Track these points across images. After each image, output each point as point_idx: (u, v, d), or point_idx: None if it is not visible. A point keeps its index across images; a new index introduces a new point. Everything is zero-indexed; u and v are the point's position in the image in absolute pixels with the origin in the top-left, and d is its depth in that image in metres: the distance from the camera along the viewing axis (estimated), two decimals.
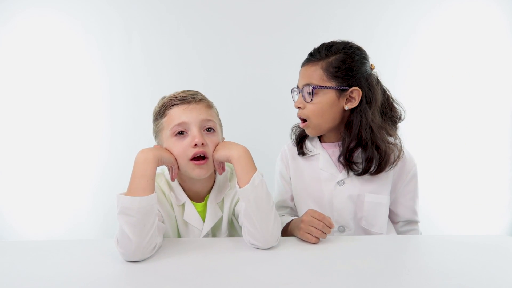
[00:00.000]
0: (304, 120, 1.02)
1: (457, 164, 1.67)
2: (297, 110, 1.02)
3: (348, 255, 0.76)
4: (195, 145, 0.82)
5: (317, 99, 0.96)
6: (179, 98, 0.86)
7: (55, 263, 0.73)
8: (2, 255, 0.78)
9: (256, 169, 0.82)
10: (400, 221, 1.06)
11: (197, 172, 0.85)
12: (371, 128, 0.95)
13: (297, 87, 1.03)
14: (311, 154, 1.07)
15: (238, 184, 0.81)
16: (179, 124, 0.84)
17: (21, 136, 1.63)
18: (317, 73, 0.96)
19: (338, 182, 1.02)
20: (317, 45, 1.05)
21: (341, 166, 1.03)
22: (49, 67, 1.62)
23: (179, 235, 0.94)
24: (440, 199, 1.66)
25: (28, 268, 0.70)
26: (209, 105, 0.90)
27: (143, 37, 1.64)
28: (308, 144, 1.10)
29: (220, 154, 0.85)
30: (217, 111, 0.94)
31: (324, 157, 1.05)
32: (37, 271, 0.69)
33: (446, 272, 0.66)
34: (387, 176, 1.00)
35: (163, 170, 0.96)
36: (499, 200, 1.69)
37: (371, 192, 1.00)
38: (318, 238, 0.84)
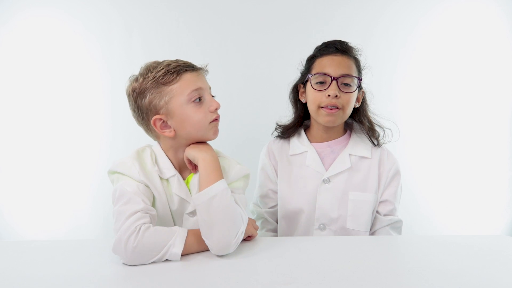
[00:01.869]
0: (335, 108, 1.00)
1: (457, 164, 1.67)
2: (326, 99, 0.99)
3: (348, 256, 0.76)
4: (216, 109, 0.85)
5: (354, 92, 1.01)
6: (188, 64, 0.86)
7: (55, 263, 0.73)
8: (2, 255, 0.78)
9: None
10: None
11: (215, 130, 0.87)
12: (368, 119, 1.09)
13: (324, 74, 1.00)
14: (299, 152, 1.09)
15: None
16: (196, 90, 0.83)
17: (21, 136, 1.63)
18: (354, 67, 1.02)
19: (324, 180, 1.03)
20: (318, 43, 1.07)
21: (328, 164, 1.05)
22: (49, 66, 1.62)
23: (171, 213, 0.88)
24: (440, 199, 1.66)
25: (28, 268, 0.70)
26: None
27: (143, 34, 1.63)
28: (296, 142, 1.11)
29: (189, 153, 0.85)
30: None
31: (311, 154, 1.07)
32: (37, 271, 0.69)
33: (445, 272, 0.66)
34: (372, 173, 1.03)
35: (151, 145, 0.92)
36: (499, 200, 1.69)
37: (356, 190, 1.02)
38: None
